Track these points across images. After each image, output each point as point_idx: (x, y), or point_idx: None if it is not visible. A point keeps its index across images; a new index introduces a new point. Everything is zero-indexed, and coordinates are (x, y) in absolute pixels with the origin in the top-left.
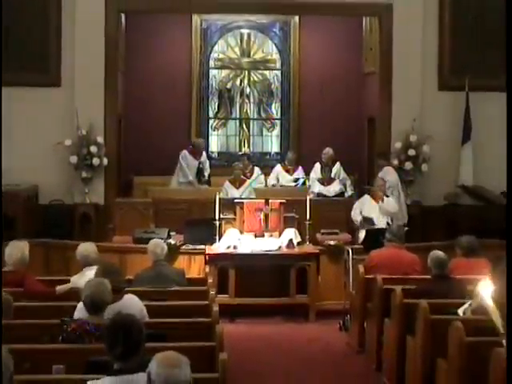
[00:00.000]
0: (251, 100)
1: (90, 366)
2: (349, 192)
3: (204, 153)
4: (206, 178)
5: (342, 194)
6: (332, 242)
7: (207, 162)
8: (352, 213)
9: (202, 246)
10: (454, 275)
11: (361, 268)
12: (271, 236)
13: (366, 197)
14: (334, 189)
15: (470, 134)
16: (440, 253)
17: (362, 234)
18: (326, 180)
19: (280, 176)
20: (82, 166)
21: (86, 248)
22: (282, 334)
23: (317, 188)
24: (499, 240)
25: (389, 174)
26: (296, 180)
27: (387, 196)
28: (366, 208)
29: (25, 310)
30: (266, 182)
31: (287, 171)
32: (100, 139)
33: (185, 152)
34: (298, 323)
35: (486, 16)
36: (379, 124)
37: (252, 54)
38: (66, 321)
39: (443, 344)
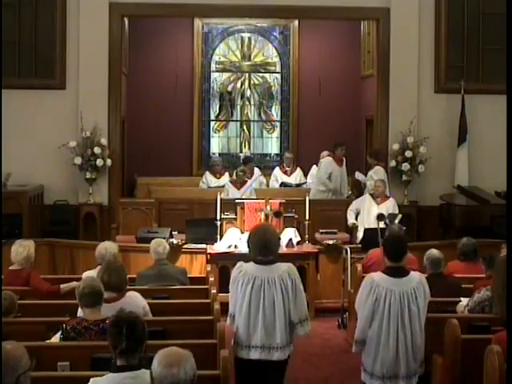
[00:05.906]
0: (252, 102)
1: (94, 362)
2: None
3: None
4: None
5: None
6: (330, 242)
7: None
8: (348, 211)
9: (204, 246)
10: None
11: (359, 267)
12: None
13: (367, 196)
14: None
15: (466, 135)
16: (436, 252)
17: (360, 234)
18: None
19: (279, 179)
20: (86, 166)
21: (107, 246)
22: None
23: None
24: (494, 239)
25: (378, 174)
26: (298, 185)
27: (388, 197)
28: (366, 208)
29: (30, 307)
30: (266, 182)
31: (285, 173)
32: (104, 141)
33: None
34: None
35: (482, 20)
36: (377, 126)
37: (252, 57)
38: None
39: (439, 340)
